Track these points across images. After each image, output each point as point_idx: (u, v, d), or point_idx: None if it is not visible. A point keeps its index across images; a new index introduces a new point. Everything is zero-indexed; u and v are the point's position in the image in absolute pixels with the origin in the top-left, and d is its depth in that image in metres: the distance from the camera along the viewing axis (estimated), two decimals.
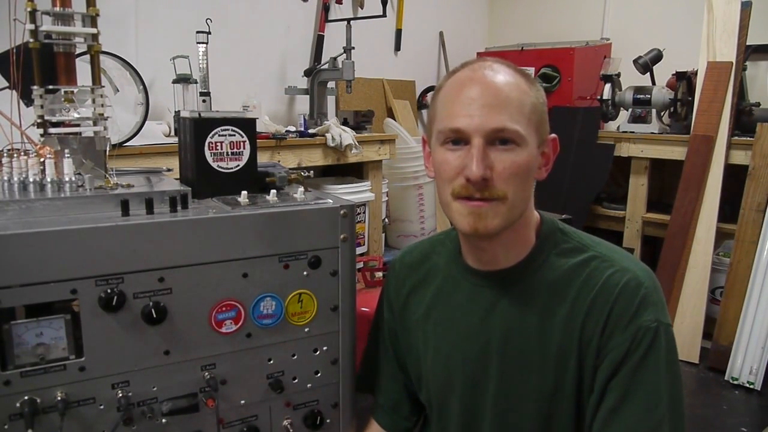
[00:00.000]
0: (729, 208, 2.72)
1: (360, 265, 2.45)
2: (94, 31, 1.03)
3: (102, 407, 0.87)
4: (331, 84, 3.01)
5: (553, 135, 0.92)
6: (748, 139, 2.67)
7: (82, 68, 1.08)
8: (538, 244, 0.92)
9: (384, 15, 3.10)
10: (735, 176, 2.70)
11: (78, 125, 1.05)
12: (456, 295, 0.98)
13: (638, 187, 3.07)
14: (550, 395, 0.87)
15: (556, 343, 0.87)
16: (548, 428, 0.89)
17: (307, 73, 2.96)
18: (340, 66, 2.79)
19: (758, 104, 2.85)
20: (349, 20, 2.84)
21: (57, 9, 1.00)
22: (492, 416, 0.93)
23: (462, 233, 0.92)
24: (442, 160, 0.86)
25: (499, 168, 0.82)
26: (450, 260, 1.01)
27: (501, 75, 0.84)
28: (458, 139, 0.84)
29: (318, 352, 1.05)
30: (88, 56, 1.06)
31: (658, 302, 0.84)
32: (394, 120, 3.48)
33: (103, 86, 1.06)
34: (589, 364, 0.85)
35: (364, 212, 2.88)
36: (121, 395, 0.88)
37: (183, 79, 2.41)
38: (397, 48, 3.76)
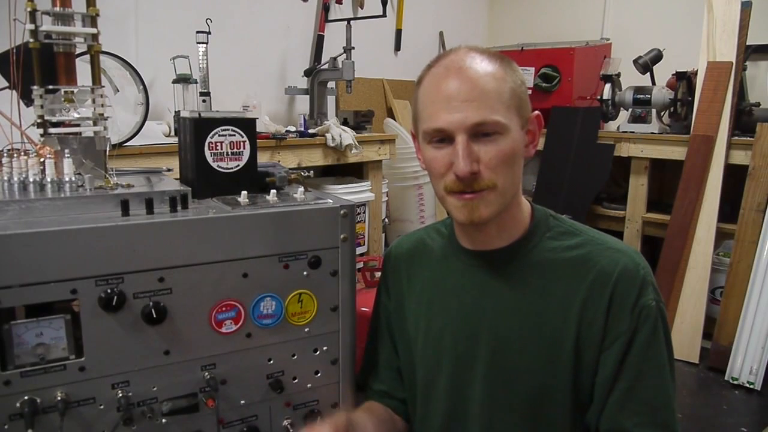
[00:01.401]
0: (729, 208, 2.72)
1: (360, 265, 2.45)
2: (94, 31, 1.03)
3: (102, 407, 0.87)
4: (331, 84, 3.01)
5: (537, 112, 0.93)
6: (748, 139, 2.67)
7: (82, 68, 1.08)
8: (532, 227, 0.94)
9: (384, 15, 3.10)
10: (735, 176, 2.70)
11: (78, 125, 1.05)
12: (450, 276, 0.99)
13: (638, 187, 3.07)
14: (542, 375, 0.89)
15: (551, 324, 0.89)
16: (540, 408, 0.90)
17: (307, 73, 2.96)
18: (340, 66, 2.80)
19: (758, 104, 2.84)
20: (349, 20, 2.84)
21: (57, 9, 1.00)
22: (480, 396, 0.94)
23: (459, 223, 0.95)
24: (431, 158, 0.89)
25: (485, 159, 0.84)
26: (445, 243, 1.03)
27: (476, 66, 0.85)
28: (442, 138, 0.86)
29: (318, 352, 1.05)
30: (88, 56, 1.06)
31: (654, 281, 0.89)
32: (394, 120, 3.48)
33: (103, 86, 1.06)
34: (591, 345, 0.87)
35: (364, 212, 2.88)
36: (121, 395, 0.88)
37: (183, 79, 2.41)
38: (397, 48, 3.76)
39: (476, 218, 0.86)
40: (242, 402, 0.99)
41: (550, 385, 0.89)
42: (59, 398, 0.84)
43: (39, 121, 1.01)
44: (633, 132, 3.10)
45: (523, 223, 0.94)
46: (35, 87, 1.00)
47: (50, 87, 1.01)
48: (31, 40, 0.98)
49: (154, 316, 0.87)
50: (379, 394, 1.10)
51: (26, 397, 0.82)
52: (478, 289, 0.95)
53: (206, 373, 0.95)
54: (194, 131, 1.02)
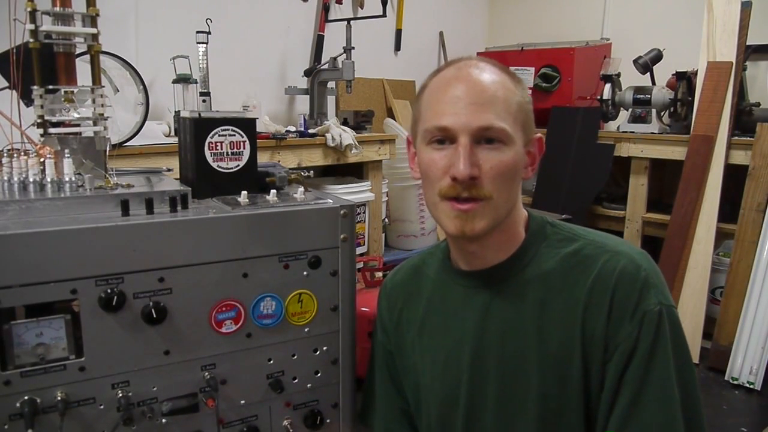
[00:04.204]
0: (729, 208, 2.72)
1: (360, 265, 2.45)
2: (94, 31, 1.03)
3: (102, 407, 0.88)
4: (331, 84, 3.01)
5: (539, 134, 0.90)
6: (748, 139, 2.67)
7: (82, 68, 1.08)
8: (528, 238, 0.90)
9: (384, 15, 3.10)
10: (735, 176, 2.70)
11: (78, 125, 1.05)
12: (448, 301, 0.96)
13: (638, 187, 3.07)
14: (553, 395, 0.84)
15: (556, 339, 0.84)
16: (555, 428, 0.85)
17: (307, 73, 2.96)
18: (340, 66, 2.79)
19: (758, 104, 2.84)
20: (349, 20, 2.84)
21: (57, 9, 1.00)
22: (493, 422, 0.90)
23: (449, 235, 0.90)
24: (429, 160, 0.85)
25: (485, 167, 0.81)
26: (440, 268, 0.99)
27: (487, 73, 0.84)
28: (444, 138, 0.83)
29: (318, 352, 1.05)
30: (88, 56, 1.06)
31: (659, 283, 0.82)
32: (394, 120, 3.48)
33: (103, 86, 1.06)
34: (596, 357, 0.81)
35: (364, 212, 2.88)
36: (121, 395, 0.88)
37: (183, 79, 2.41)
38: (397, 48, 3.76)
39: (468, 230, 0.82)
40: (242, 402, 0.99)
41: (562, 406, 0.83)
42: (59, 398, 0.84)
43: (39, 121, 1.01)
44: (633, 132, 3.10)
45: (519, 237, 0.90)
46: (35, 87, 1.00)
47: (50, 87, 1.01)
48: (31, 40, 0.98)
49: (154, 316, 0.87)
50: None
51: (26, 397, 0.82)
52: (479, 311, 0.90)
53: (206, 373, 0.95)
54: (194, 131, 1.02)
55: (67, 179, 0.98)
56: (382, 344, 1.07)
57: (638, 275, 0.81)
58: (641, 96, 3.08)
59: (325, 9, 3.23)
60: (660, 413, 0.78)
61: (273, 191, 1.04)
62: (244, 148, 1.07)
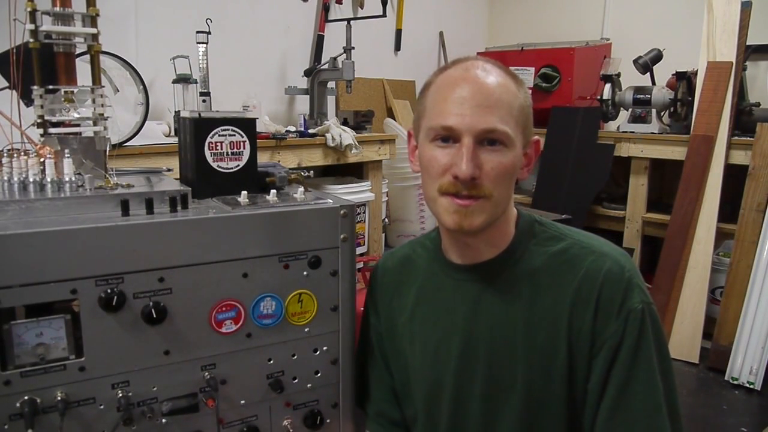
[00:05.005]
0: (729, 208, 2.72)
1: (360, 265, 2.44)
2: (94, 31, 1.03)
3: (102, 407, 0.87)
4: (331, 84, 3.01)
5: (537, 137, 0.94)
6: (748, 139, 2.67)
7: (82, 68, 1.08)
8: (518, 235, 0.94)
9: (384, 15, 3.10)
10: (735, 176, 2.71)
11: (78, 125, 1.05)
12: (440, 292, 0.98)
13: (638, 187, 3.07)
14: (538, 387, 0.88)
15: (543, 333, 0.88)
16: (537, 420, 0.89)
17: (307, 73, 2.96)
18: (340, 66, 2.80)
19: (758, 104, 2.85)
20: (349, 20, 2.84)
21: (57, 9, 1.00)
22: (479, 411, 0.93)
23: (446, 229, 0.93)
24: (431, 157, 0.87)
25: (486, 168, 0.84)
26: (431, 259, 1.02)
27: (492, 76, 0.86)
28: (448, 136, 0.85)
29: (318, 352, 1.05)
30: (88, 56, 1.06)
31: (641, 283, 0.86)
32: (394, 120, 3.48)
33: (103, 86, 1.06)
34: (582, 352, 0.86)
35: (364, 212, 2.89)
36: (121, 395, 0.88)
37: (183, 79, 2.42)
38: (397, 48, 3.76)
39: (466, 225, 0.85)
40: (242, 402, 0.99)
41: (546, 397, 0.88)
42: (59, 398, 0.84)
43: (39, 121, 1.01)
44: (633, 132, 3.10)
45: (510, 233, 0.94)
46: (35, 87, 1.00)
47: (50, 87, 1.01)
48: (31, 40, 0.98)
49: (154, 316, 0.87)
50: (372, 417, 1.09)
51: (26, 397, 0.82)
52: (469, 304, 0.94)
53: (206, 373, 0.95)
54: (194, 131, 1.02)
55: (67, 179, 0.97)
56: (373, 327, 1.09)
57: (623, 276, 0.85)
58: (641, 96, 3.08)
59: (325, 9, 3.23)
60: (646, 400, 0.83)
61: (273, 191, 1.04)
62: (244, 148, 1.07)
